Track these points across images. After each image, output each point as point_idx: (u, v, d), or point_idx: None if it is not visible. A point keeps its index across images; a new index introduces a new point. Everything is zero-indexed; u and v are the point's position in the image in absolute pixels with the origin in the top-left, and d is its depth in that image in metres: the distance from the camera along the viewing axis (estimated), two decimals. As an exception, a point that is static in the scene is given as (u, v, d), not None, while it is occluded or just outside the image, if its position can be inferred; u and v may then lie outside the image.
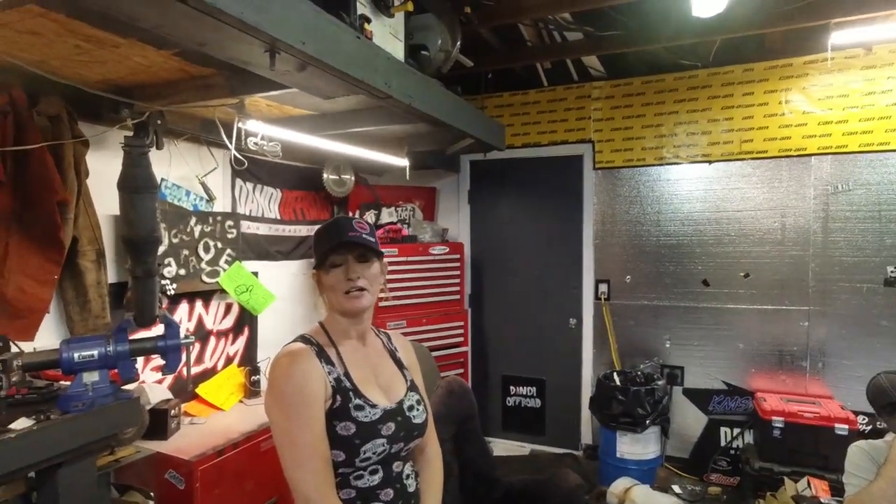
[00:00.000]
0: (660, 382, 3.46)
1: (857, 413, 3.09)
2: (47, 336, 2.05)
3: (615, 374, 3.68)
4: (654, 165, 3.75)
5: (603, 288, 3.95)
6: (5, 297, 1.80)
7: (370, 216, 3.80)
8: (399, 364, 1.34)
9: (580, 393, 4.03)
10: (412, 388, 1.31)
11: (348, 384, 1.18)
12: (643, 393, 3.33)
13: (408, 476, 1.25)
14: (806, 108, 3.34)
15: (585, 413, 3.95)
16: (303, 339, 1.23)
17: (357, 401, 1.16)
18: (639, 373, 3.66)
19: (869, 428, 3.17)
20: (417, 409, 1.27)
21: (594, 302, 3.97)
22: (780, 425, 3.06)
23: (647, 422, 3.30)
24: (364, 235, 1.20)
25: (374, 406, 1.18)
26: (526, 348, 4.23)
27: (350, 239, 1.18)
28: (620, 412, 3.34)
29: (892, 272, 3.19)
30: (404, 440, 1.22)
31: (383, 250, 1.27)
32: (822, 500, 2.62)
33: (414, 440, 1.25)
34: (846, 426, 2.94)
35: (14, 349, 1.74)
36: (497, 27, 3.17)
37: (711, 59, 3.50)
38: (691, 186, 3.66)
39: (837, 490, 2.50)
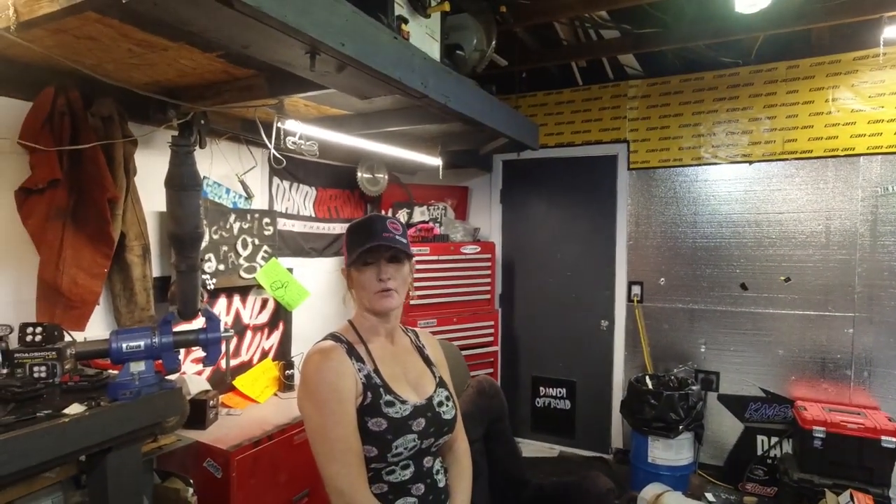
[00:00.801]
0: (694, 388, 3.38)
1: (905, 425, 2.96)
2: (96, 327, 2.15)
3: (647, 377, 3.61)
4: (691, 166, 3.67)
5: (636, 290, 3.88)
6: (60, 288, 1.90)
7: (403, 215, 3.83)
8: (427, 361, 1.36)
9: (611, 396, 3.98)
10: (441, 384, 1.33)
11: (378, 381, 1.20)
12: (677, 398, 3.26)
13: (438, 471, 1.27)
14: (855, 106, 3.21)
15: (616, 416, 3.89)
16: (333, 337, 1.25)
17: (388, 397, 1.18)
18: (672, 377, 3.58)
19: (918, 441, 3.02)
20: (447, 406, 1.29)
21: (626, 304, 3.91)
22: (821, 435, 2.96)
23: (681, 427, 3.22)
24: (397, 237, 1.22)
25: (404, 402, 1.19)
26: (556, 349, 4.20)
27: (384, 241, 1.20)
28: (653, 417, 3.28)
29: (946, 279, 3.04)
30: (434, 436, 1.23)
31: (414, 249, 1.29)
32: (866, 515, 2.52)
33: (444, 436, 1.27)
34: (894, 439, 2.81)
35: (67, 338, 1.84)
36: (532, 26, 3.15)
37: (754, 55, 3.40)
38: (730, 187, 3.56)
39: (883, 505, 2.40)
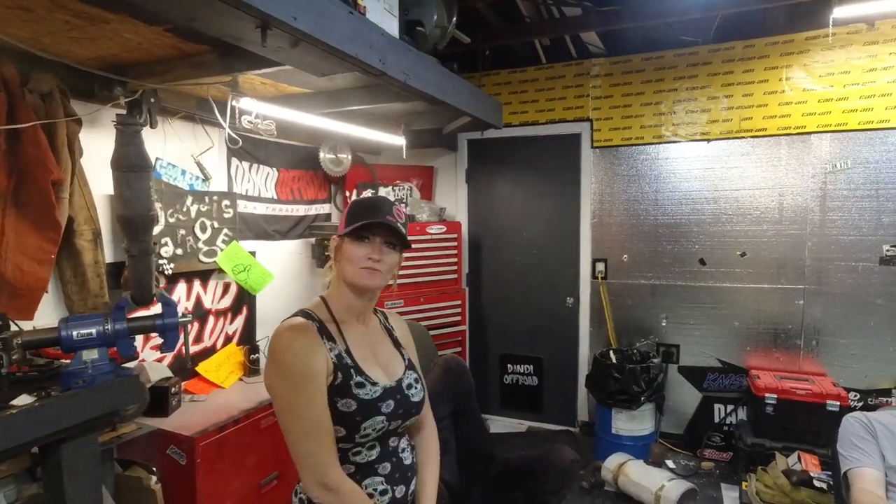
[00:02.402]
0: (655, 360, 3.50)
1: (848, 390, 3.14)
2: (47, 315, 2.06)
3: (611, 352, 3.72)
4: (652, 144, 3.73)
5: (600, 267, 3.96)
6: (4, 276, 1.81)
7: (368, 195, 3.78)
8: (396, 343, 1.36)
9: (577, 371, 4.07)
10: (410, 366, 1.33)
11: (349, 361, 1.19)
12: (639, 371, 3.37)
13: (403, 449, 1.29)
14: (807, 85, 3.31)
15: (582, 391, 4.00)
16: (304, 313, 1.23)
17: (358, 378, 1.18)
18: (635, 351, 3.69)
19: (861, 405, 3.21)
20: (416, 388, 1.29)
21: (591, 281, 3.99)
22: (773, 402, 3.11)
23: (643, 399, 3.34)
24: (399, 224, 1.22)
25: (374, 384, 1.19)
26: (523, 327, 4.26)
27: (388, 222, 1.19)
28: (616, 390, 3.39)
29: (888, 251, 3.20)
30: (402, 417, 1.24)
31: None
32: (811, 474, 2.68)
33: (411, 417, 1.28)
34: (838, 402, 2.98)
35: (14, 328, 1.76)
36: (494, 2, 3.11)
37: (712, 35, 3.46)
38: (690, 165, 3.65)
39: (828, 464, 2.55)
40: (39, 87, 1.91)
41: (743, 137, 3.49)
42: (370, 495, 1.17)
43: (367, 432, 1.16)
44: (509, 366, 4.35)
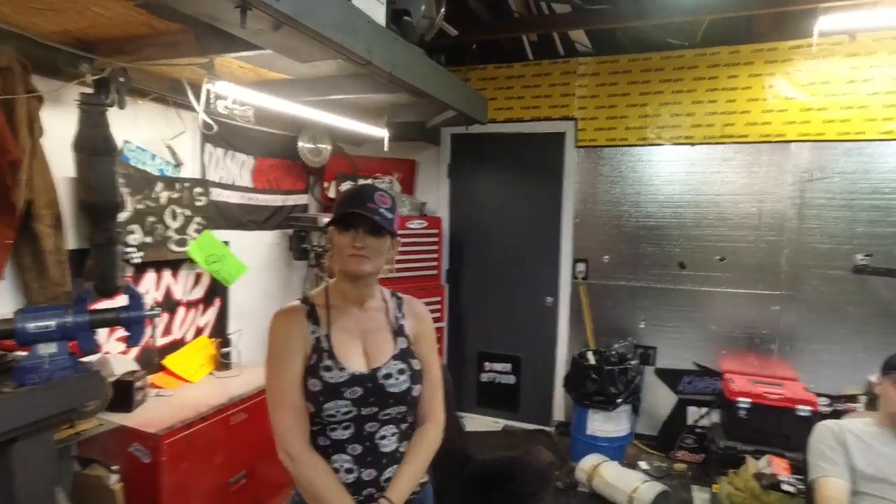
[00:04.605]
0: (633, 362, 3.51)
1: (819, 395, 3.19)
2: (4, 304, 1.94)
3: (590, 352, 3.71)
4: (636, 146, 3.73)
5: (581, 267, 3.96)
6: (-46, 262, 1.69)
7: (347, 187, 3.70)
8: (396, 332, 1.35)
9: (554, 371, 4.07)
10: (399, 357, 1.31)
11: (325, 345, 1.26)
12: (616, 372, 3.37)
13: (384, 437, 1.28)
14: (789, 93, 3.34)
15: (559, 390, 4.00)
16: (303, 298, 1.34)
17: (327, 362, 1.24)
18: (613, 352, 3.69)
19: (830, 410, 3.27)
20: (397, 378, 1.28)
21: (572, 281, 3.98)
22: (745, 406, 3.14)
23: (619, 400, 3.35)
24: (381, 210, 1.25)
25: (342, 369, 1.24)
26: (502, 325, 4.24)
27: (365, 211, 1.23)
28: (594, 391, 3.39)
29: (860, 260, 3.26)
30: (377, 405, 1.25)
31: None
32: (780, 478, 2.71)
33: (392, 406, 1.28)
34: (808, 408, 3.03)
35: (-36, 318, 1.65)
36: (483, -5, 3.06)
37: (699, 39, 3.46)
38: (673, 168, 3.66)
39: (797, 468, 2.59)
40: (-2, 61, 1.78)
41: (725, 143, 3.51)
42: (336, 470, 1.24)
43: (331, 412, 1.22)
44: (486, 364, 4.32)
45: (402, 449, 1.31)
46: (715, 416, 3.58)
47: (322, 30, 1.39)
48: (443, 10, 2.31)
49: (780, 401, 3.09)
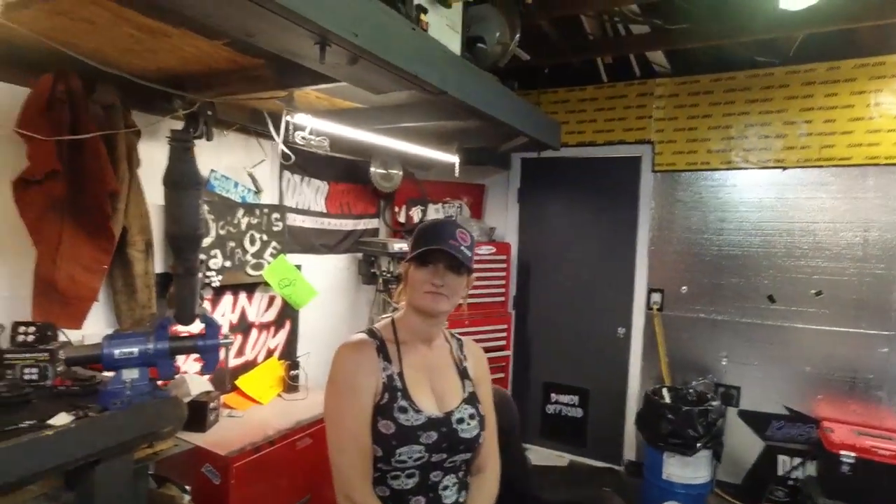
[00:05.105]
0: (714, 403, 3.23)
1: (941, 453, 2.79)
2: (96, 324, 2.07)
3: (664, 389, 3.47)
4: (719, 170, 3.50)
5: (656, 297, 3.74)
6: (56, 284, 1.82)
7: (417, 212, 3.72)
8: (463, 374, 1.30)
9: (625, 406, 3.85)
10: (469, 400, 1.26)
11: (399, 384, 1.19)
12: (696, 413, 3.11)
13: (446, 487, 1.21)
14: (899, 112, 3.01)
15: (630, 427, 3.76)
16: (369, 332, 1.26)
17: (402, 402, 1.17)
18: (690, 390, 3.44)
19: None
20: (468, 423, 1.22)
21: (646, 311, 3.77)
22: (850, 460, 2.80)
23: (699, 445, 3.08)
24: (462, 248, 1.20)
25: (418, 411, 1.17)
26: (570, 355, 4.07)
27: (448, 248, 1.18)
28: (669, 432, 3.15)
29: None
30: (447, 451, 1.19)
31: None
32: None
33: (460, 454, 1.21)
34: (929, 468, 2.65)
35: (62, 338, 1.76)
36: (557, 19, 2.99)
37: (791, 55, 3.21)
38: (761, 193, 3.39)
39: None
40: (102, 99, 1.93)
41: (823, 166, 3.22)
42: None
43: (402, 458, 1.14)
44: (553, 394, 4.16)
45: (461, 500, 1.24)
46: (810, 469, 3.22)
47: (398, 62, 1.38)
48: (517, 36, 2.27)
49: (894, 458, 2.73)
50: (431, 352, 1.28)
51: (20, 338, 1.63)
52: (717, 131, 3.48)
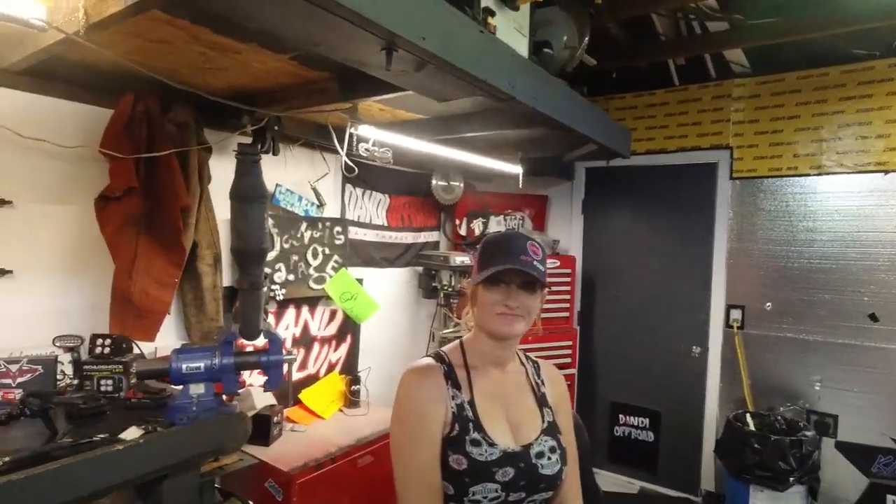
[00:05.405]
0: (808, 433, 2.92)
1: None
2: (168, 336, 2.12)
3: (748, 415, 3.19)
4: (808, 175, 3.20)
5: (736, 314, 3.45)
6: (131, 298, 1.87)
7: (478, 224, 3.65)
8: (541, 401, 1.18)
9: (702, 431, 3.56)
10: (549, 431, 1.14)
11: (470, 414, 1.08)
12: (787, 444, 2.82)
13: None
14: None
15: (708, 454, 3.48)
16: (436, 355, 1.18)
17: (475, 434, 1.06)
18: (778, 417, 3.13)
19: None
20: (549, 458, 1.10)
21: (724, 329, 3.49)
22: (979, 505, 2.43)
23: (792, 479, 2.79)
24: (535, 262, 1.09)
25: (492, 445, 1.06)
26: (640, 375, 3.83)
27: (520, 265, 1.08)
28: (756, 463, 2.86)
29: None
30: (526, 490, 1.06)
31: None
32: None
33: (541, 492, 1.09)
34: None
35: (136, 350, 1.80)
36: (626, 20, 2.85)
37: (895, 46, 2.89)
38: (859, 201, 3.06)
39: None
40: (177, 118, 1.99)
41: (934, 169, 2.87)
42: None
43: (476, 498, 1.03)
44: (621, 416, 3.92)
45: None
46: (928, 512, 2.83)
47: (465, 66, 1.31)
48: (586, 39, 2.16)
49: None
50: (505, 377, 1.17)
51: (97, 350, 1.67)
52: (806, 133, 3.19)
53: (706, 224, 3.56)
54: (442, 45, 1.22)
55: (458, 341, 1.20)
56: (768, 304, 3.36)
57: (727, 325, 3.47)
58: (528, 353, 1.26)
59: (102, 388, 1.63)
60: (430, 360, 1.15)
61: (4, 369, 1.55)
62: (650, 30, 3.05)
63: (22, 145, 1.75)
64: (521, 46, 1.70)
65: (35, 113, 1.79)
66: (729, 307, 3.48)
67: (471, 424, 1.06)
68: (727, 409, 3.38)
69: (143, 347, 1.90)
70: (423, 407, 1.07)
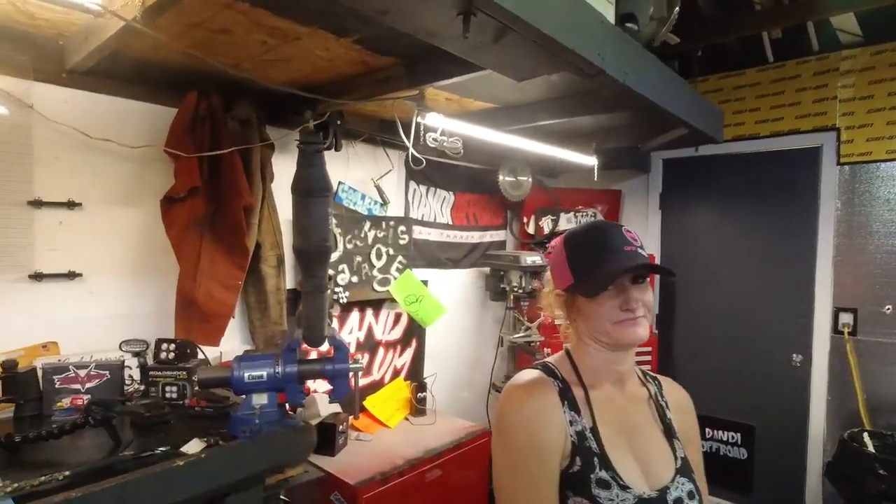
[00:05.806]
0: (947, 458, 2.50)
1: None
2: (232, 340, 2.06)
3: (865, 434, 2.78)
4: (938, 158, 2.76)
5: (846, 318, 3.04)
6: (196, 301, 1.81)
7: (547, 222, 3.43)
8: (669, 431, 0.96)
9: (805, 450, 3.16)
10: (683, 471, 0.92)
11: (595, 446, 0.88)
12: (921, 470, 2.42)
13: None
14: None
15: (814, 477, 3.08)
16: (545, 367, 0.97)
17: (603, 473, 0.85)
18: (904, 438, 2.71)
19: None
20: None
21: (831, 336, 3.08)
22: None
23: (929, 512, 2.38)
24: (639, 250, 0.91)
25: (625, 488, 0.85)
26: (727, 385, 3.46)
27: (635, 260, 0.90)
28: (882, 492, 2.47)
29: None
30: None
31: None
32: None
33: None
34: None
35: (200, 356, 1.74)
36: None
37: None
38: None
39: None
40: (239, 114, 1.93)
41: None
42: None
43: None
44: (708, 430, 3.57)
45: None
46: None
47: (552, 32, 1.13)
48: (677, 8, 1.91)
49: None
50: (625, 398, 0.97)
51: (162, 355, 1.62)
52: (934, 109, 2.75)
53: (807, 217, 3.16)
54: (525, 5, 1.04)
55: (562, 352, 1.01)
56: (888, 306, 2.92)
57: (835, 330, 3.06)
58: (646, 370, 1.05)
59: (167, 395, 1.58)
60: (539, 374, 0.95)
61: (73, 374, 1.52)
62: (740, 1, 2.72)
63: (90, 146, 1.74)
64: (609, 13, 1.49)
65: (101, 113, 1.77)
66: (837, 310, 3.07)
67: (596, 459, 0.87)
68: (837, 425, 2.98)
69: (208, 352, 1.85)
70: (538, 434, 0.87)
